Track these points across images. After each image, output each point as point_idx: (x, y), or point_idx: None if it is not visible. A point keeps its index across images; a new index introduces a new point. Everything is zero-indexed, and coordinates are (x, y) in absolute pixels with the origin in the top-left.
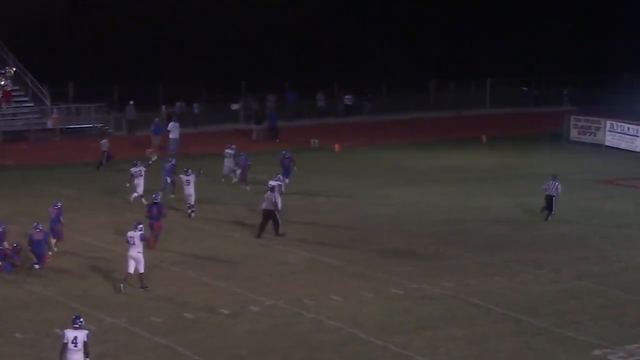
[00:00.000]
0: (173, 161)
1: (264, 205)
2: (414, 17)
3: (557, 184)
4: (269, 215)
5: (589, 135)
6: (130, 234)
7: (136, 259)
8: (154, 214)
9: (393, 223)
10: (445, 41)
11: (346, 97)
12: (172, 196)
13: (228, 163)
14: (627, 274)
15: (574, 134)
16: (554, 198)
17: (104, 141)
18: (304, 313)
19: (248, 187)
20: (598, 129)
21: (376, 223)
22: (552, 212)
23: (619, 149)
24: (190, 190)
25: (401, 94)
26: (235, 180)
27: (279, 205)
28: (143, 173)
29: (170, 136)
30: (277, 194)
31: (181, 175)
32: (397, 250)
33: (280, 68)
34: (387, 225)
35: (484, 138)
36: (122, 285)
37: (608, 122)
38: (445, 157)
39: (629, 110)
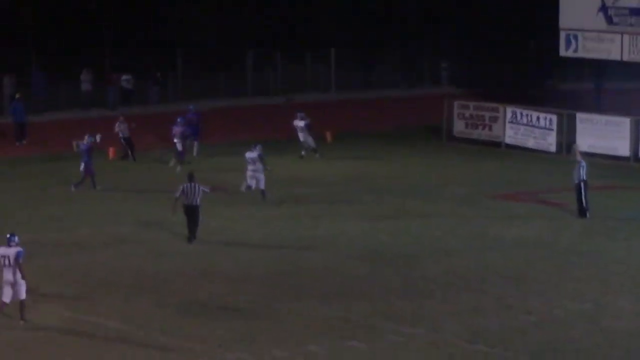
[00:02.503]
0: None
1: (187, 201)
2: None
3: (582, 163)
4: (195, 211)
5: (482, 129)
6: (1, 251)
7: (14, 283)
8: None
9: (201, 263)
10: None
11: (123, 77)
12: None
13: (303, 138)
14: (539, 332)
15: (459, 127)
16: (582, 183)
17: (118, 123)
18: None
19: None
20: (494, 119)
21: (176, 264)
22: (586, 207)
23: (525, 148)
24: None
25: (205, 73)
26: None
27: (262, 184)
28: None
29: None
30: (259, 169)
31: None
32: (207, 304)
33: (26, 39)
34: (191, 267)
35: (328, 136)
36: None
37: (509, 110)
38: (276, 165)
39: (537, 94)
